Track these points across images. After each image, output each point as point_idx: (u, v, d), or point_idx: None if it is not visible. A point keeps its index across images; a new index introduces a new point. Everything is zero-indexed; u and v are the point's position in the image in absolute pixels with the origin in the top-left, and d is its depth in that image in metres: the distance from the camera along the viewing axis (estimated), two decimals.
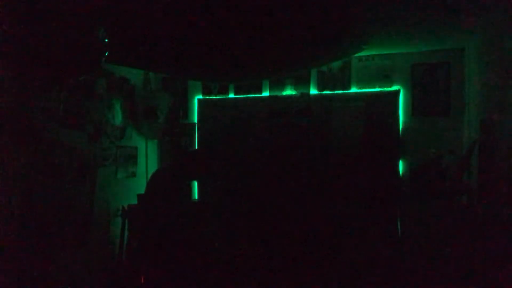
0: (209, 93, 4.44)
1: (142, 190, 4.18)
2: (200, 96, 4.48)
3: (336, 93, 4.01)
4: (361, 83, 3.97)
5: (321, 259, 3.86)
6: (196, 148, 4.43)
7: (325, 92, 4.06)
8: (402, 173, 3.83)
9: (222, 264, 3.88)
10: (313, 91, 4.09)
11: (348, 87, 4.00)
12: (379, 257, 3.73)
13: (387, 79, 3.90)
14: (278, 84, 4.19)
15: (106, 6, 2.37)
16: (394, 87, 3.88)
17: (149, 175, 4.37)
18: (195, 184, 4.42)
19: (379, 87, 3.91)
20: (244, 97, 4.32)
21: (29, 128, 2.67)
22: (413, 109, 3.83)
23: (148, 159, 4.41)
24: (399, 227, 3.79)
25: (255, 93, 4.29)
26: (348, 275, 3.73)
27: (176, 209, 3.03)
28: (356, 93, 3.97)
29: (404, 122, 3.85)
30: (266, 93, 4.25)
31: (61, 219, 3.01)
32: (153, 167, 4.49)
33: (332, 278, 3.75)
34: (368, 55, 3.92)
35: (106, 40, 2.42)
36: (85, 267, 3.33)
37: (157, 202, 3.04)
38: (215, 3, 2.43)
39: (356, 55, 3.84)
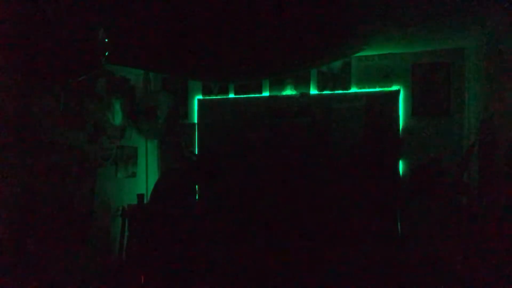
0: (209, 93, 4.44)
1: (142, 190, 4.19)
2: (200, 96, 4.48)
3: (336, 93, 4.01)
4: (361, 83, 3.98)
5: (321, 259, 3.86)
6: (198, 152, 4.42)
7: (325, 92, 4.06)
8: (402, 173, 3.83)
9: (222, 264, 3.88)
10: (313, 91, 4.09)
11: (348, 87, 4.00)
12: (379, 257, 3.73)
13: (387, 79, 3.90)
14: (278, 84, 4.19)
15: (106, 6, 2.37)
16: (394, 87, 3.89)
17: (149, 175, 4.39)
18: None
19: (379, 87, 3.92)
20: (244, 97, 4.32)
21: (29, 128, 2.67)
22: (413, 109, 3.83)
23: (148, 159, 4.41)
24: (399, 227, 3.79)
25: (255, 93, 4.29)
26: (348, 275, 3.73)
27: (182, 211, 3.04)
28: (356, 93, 3.97)
29: (404, 122, 3.85)
30: (266, 93, 4.26)
31: (61, 219, 3.01)
32: (153, 167, 4.49)
33: (332, 278, 3.75)
34: (368, 55, 3.92)
35: (106, 40, 2.43)
36: (85, 267, 3.33)
37: (163, 207, 3.04)
38: (215, 3, 2.43)
39: (356, 55, 3.84)
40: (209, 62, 3.27)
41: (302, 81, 4.11)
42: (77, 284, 3.20)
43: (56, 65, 2.46)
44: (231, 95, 4.37)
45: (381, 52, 3.88)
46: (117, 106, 3.85)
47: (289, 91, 4.16)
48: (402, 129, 3.84)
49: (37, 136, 2.75)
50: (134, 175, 4.13)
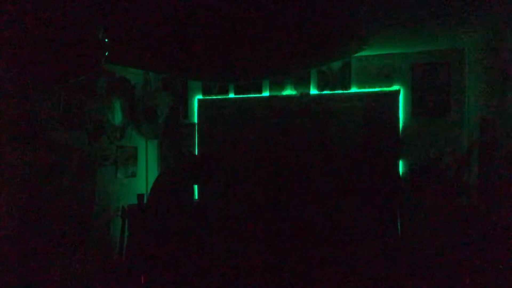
0: (209, 93, 4.44)
1: (142, 190, 4.18)
2: (200, 96, 4.48)
3: (336, 93, 4.01)
4: (361, 83, 3.97)
5: (321, 259, 3.86)
6: (198, 152, 4.42)
7: (325, 92, 4.06)
8: (402, 173, 3.83)
9: (222, 265, 3.88)
10: (313, 91, 4.09)
11: (348, 87, 4.00)
12: (379, 257, 3.73)
13: (387, 79, 3.90)
14: (278, 84, 4.19)
15: (106, 6, 2.37)
16: (394, 87, 3.88)
17: (149, 175, 4.39)
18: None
19: (379, 87, 3.92)
20: (244, 97, 4.32)
21: (29, 128, 2.67)
22: (413, 109, 3.83)
23: (148, 159, 4.41)
24: (399, 227, 3.79)
25: (255, 93, 4.29)
26: (348, 275, 3.73)
27: (180, 211, 3.04)
28: (356, 93, 3.97)
29: (404, 122, 3.85)
30: (266, 93, 4.25)
31: (61, 219, 3.01)
32: (153, 167, 4.49)
33: (332, 278, 3.75)
34: (368, 55, 3.92)
35: (106, 40, 2.42)
36: (85, 267, 3.33)
37: (161, 206, 3.04)
38: (215, 3, 2.43)
39: (356, 55, 3.84)
40: (209, 62, 3.27)
41: (302, 81, 4.11)
42: (77, 284, 3.20)
43: (56, 65, 2.46)
44: (231, 95, 4.37)
45: (381, 52, 3.88)
46: (117, 106, 3.85)
47: (289, 91, 4.16)
48: (402, 129, 3.84)
49: (37, 136, 2.75)
50: (134, 175, 4.13)
